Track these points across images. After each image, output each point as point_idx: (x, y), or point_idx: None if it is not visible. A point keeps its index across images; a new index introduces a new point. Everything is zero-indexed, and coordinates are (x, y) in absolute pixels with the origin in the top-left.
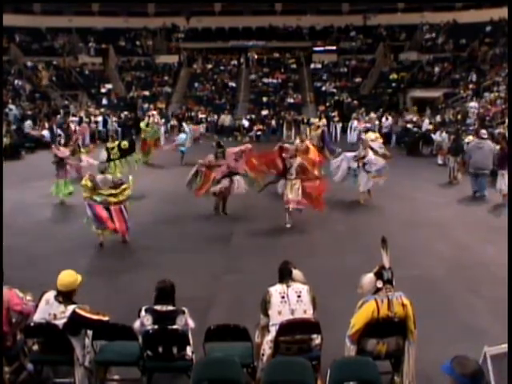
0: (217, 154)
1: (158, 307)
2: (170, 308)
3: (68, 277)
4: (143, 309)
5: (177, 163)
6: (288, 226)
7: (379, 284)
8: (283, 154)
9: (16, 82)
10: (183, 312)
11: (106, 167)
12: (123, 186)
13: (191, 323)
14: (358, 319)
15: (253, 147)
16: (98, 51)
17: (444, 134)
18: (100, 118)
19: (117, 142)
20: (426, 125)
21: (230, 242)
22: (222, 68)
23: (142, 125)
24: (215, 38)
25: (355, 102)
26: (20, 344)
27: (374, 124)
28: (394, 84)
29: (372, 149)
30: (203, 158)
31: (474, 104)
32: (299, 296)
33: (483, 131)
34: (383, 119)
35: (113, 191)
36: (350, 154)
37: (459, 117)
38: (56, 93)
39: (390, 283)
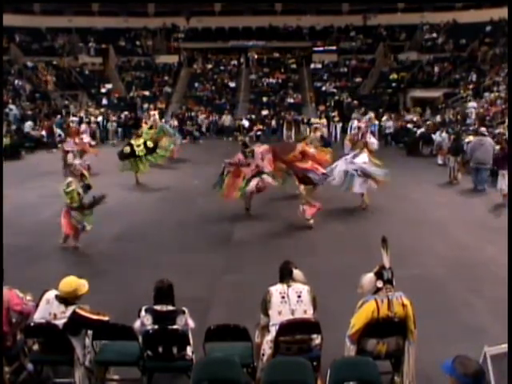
0: (245, 153)
1: (158, 307)
2: (170, 308)
3: (66, 286)
4: (143, 309)
5: (176, 163)
6: (311, 222)
7: (379, 284)
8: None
9: (16, 82)
10: (183, 312)
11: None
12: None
13: (191, 323)
14: (358, 319)
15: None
16: (98, 51)
17: (444, 134)
18: (100, 118)
19: (142, 140)
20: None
21: (230, 242)
22: (222, 68)
23: (145, 130)
24: (215, 38)
25: (355, 101)
26: (20, 344)
27: (373, 124)
28: (394, 84)
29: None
30: (230, 158)
31: (472, 104)
32: (299, 296)
33: (483, 129)
34: (384, 118)
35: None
36: (347, 156)
37: (459, 117)
38: (56, 93)
39: (390, 283)
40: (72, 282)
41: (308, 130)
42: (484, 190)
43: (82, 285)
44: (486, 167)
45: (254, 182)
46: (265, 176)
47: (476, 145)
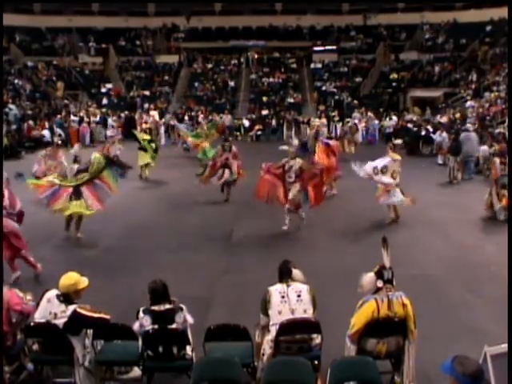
0: (224, 146)
1: (155, 307)
2: (168, 306)
3: (67, 280)
4: (141, 310)
5: (175, 162)
6: (285, 228)
7: (379, 283)
8: (284, 161)
9: (16, 81)
10: (181, 309)
11: (79, 158)
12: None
13: (190, 319)
14: (358, 319)
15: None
16: (98, 51)
17: (444, 134)
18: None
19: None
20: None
21: (230, 242)
22: (221, 68)
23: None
24: (215, 38)
25: (355, 101)
26: (20, 344)
27: (372, 123)
28: (394, 84)
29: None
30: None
31: (470, 103)
32: (299, 295)
33: (469, 125)
34: (387, 119)
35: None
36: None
37: (457, 116)
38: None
39: (391, 283)
40: (72, 276)
41: (308, 129)
42: (471, 178)
43: (82, 280)
44: (473, 159)
45: (217, 174)
46: (227, 170)
47: (464, 139)
